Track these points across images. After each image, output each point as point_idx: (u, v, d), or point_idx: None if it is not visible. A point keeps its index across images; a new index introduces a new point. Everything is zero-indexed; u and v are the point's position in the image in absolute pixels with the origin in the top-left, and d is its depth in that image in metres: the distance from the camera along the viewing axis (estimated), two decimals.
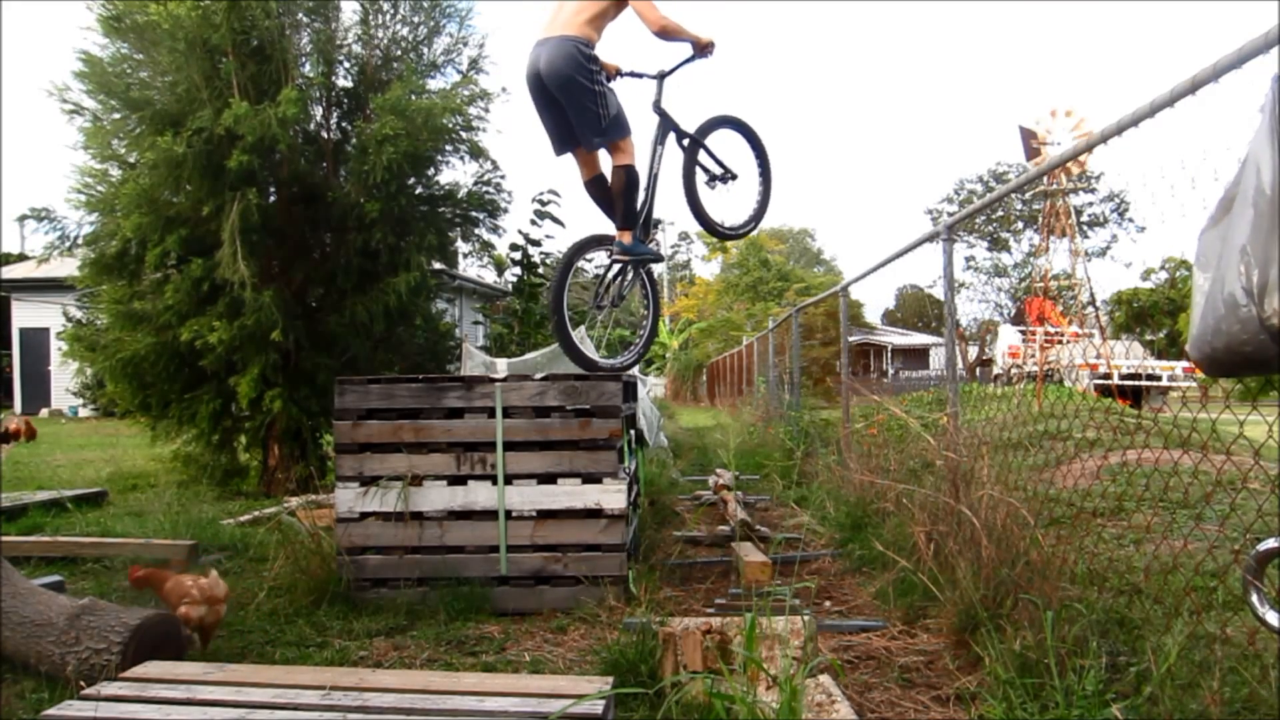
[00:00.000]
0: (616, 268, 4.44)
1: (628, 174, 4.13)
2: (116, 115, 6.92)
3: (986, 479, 3.20)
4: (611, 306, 4.51)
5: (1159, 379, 17.17)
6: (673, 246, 56.76)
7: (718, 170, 4.66)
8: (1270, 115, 1.59)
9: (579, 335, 9.63)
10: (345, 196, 6.97)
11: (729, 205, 4.83)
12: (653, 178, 4.43)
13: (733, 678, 2.11)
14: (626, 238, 4.25)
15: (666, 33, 4.17)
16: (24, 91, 61.49)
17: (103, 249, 7.00)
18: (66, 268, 8.35)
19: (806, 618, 2.50)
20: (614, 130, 4.07)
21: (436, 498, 3.73)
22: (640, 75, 4.49)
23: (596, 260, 4.63)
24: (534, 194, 13.42)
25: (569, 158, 4.30)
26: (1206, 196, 1.86)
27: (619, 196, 4.16)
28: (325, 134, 7.51)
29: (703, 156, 4.61)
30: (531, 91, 4.13)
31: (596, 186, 4.32)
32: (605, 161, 4.30)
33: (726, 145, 4.78)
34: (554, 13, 4.12)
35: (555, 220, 13.25)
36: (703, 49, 4.29)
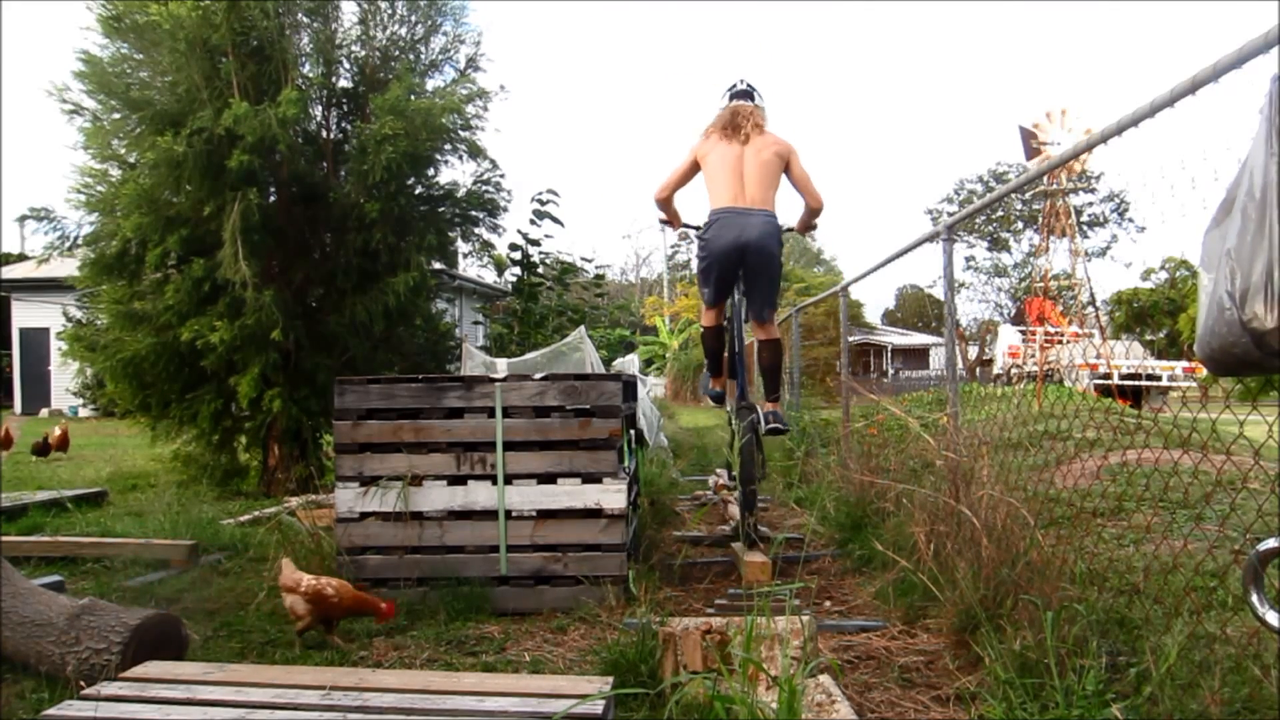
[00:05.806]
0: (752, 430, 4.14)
1: (777, 348, 4.12)
2: (116, 115, 6.91)
3: (986, 479, 3.20)
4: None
5: (1159, 379, 17.15)
6: (673, 247, 56.70)
7: None
8: (1267, 119, 1.60)
9: (580, 333, 9.60)
10: (345, 196, 6.97)
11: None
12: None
13: (732, 678, 2.11)
14: (779, 408, 4.26)
15: (819, 208, 4.34)
16: (24, 91, 61.40)
17: (103, 249, 6.99)
18: (66, 268, 8.34)
19: (806, 618, 2.50)
20: (777, 305, 4.12)
21: (436, 498, 3.73)
22: (695, 227, 4.42)
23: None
24: (534, 194, 13.44)
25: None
26: (1207, 196, 1.86)
27: (769, 370, 4.15)
28: (325, 134, 7.51)
29: None
30: (722, 254, 4.03)
31: (715, 336, 4.34)
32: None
33: None
34: (738, 180, 4.02)
35: (555, 220, 13.29)
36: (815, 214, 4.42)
